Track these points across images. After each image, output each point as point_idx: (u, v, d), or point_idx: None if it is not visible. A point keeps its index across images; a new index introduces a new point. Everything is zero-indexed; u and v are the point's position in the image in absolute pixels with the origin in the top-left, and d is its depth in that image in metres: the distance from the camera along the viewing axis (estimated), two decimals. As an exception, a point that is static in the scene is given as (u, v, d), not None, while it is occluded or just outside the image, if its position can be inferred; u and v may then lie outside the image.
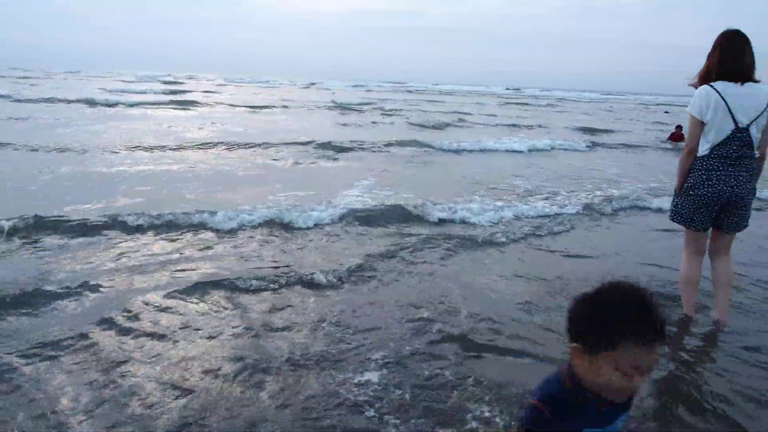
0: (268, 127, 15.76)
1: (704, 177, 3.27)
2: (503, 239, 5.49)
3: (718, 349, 3.32)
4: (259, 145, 11.52)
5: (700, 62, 3.41)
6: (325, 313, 3.57)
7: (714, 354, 3.27)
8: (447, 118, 21.26)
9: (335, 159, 10.58)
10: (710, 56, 3.27)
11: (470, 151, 12.59)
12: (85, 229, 5.11)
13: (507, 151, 12.94)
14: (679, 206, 3.46)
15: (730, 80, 3.19)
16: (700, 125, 3.25)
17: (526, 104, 39.08)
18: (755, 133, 3.19)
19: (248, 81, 67.18)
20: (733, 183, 3.22)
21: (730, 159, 3.20)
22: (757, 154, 3.26)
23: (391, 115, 22.45)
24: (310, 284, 4.05)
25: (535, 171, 10.25)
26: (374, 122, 18.86)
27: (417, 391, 2.68)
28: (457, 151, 12.44)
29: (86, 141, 10.77)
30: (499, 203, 6.93)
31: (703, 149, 3.28)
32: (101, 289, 3.78)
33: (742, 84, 3.17)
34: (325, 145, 11.76)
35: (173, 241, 4.99)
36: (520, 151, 12.93)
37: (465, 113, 25.34)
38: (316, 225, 5.63)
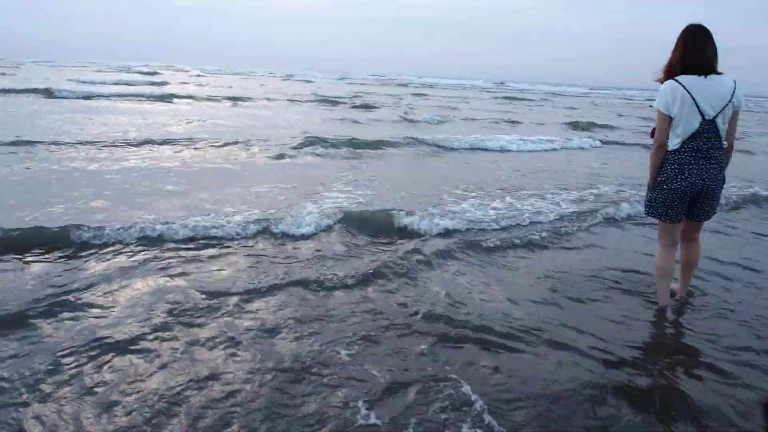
0: (248, 121, 14.93)
1: (677, 171, 3.34)
2: (499, 237, 5.33)
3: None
4: (240, 141, 10.66)
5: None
6: (319, 315, 3.49)
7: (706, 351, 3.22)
8: (435, 112, 20.67)
9: (322, 156, 9.90)
10: (674, 51, 3.35)
11: (463, 149, 12.08)
12: (62, 241, 4.54)
13: (500, 148, 12.46)
14: (654, 200, 3.53)
15: (694, 74, 3.25)
16: (668, 120, 3.33)
17: (513, 98, 38.73)
18: (721, 124, 3.26)
19: (228, 72, 65.89)
20: (705, 176, 3.31)
21: (701, 152, 3.29)
22: (725, 144, 3.35)
23: (376, 108, 21.81)
24: (302, 285, 3.91)
25: (529, 169, 9.88)
26: (360, 116, 18.13)
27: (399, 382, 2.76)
28: (449, 148, 11.91)
29: (51, 136, 9.79)
30: (495, 201, 6.82)
31: (674, 143, 3.35)
32: (88, 308, 3.42)
33: (706, 77, 3.23)
34: (313, 141, 10.95)
35: (160, 251, 4.54)
36: (513, 149, 12.45)
37: (452, 108, 24.87)
38: (308, 227, 5.31)
